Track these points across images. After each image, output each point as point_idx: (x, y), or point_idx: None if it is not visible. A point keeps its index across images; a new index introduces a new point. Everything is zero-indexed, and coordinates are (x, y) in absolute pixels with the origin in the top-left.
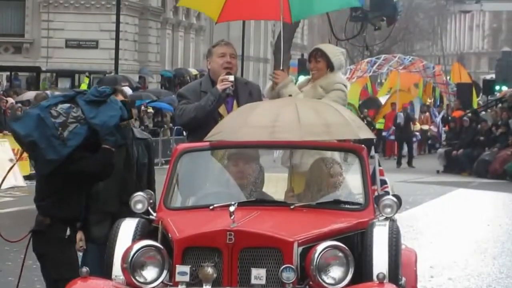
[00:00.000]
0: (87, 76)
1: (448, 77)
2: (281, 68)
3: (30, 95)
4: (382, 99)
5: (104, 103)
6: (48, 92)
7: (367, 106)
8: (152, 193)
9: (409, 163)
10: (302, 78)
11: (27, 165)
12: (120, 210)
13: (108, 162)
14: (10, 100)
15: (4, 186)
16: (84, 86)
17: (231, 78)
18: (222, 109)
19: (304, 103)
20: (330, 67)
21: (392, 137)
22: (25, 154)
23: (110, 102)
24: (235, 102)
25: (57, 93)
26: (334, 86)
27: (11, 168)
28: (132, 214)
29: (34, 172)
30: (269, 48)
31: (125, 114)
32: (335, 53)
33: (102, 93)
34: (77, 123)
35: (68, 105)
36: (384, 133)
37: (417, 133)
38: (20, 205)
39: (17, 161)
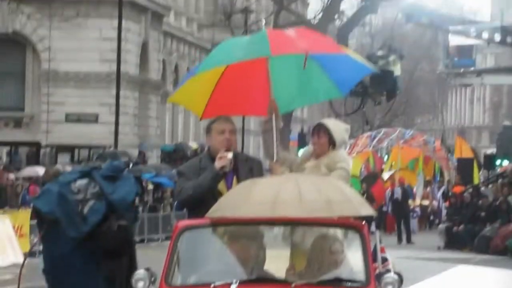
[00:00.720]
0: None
1: (449, 153)
2: (274, 158)
3: (30, 170)
4: (386, 175)
5: (119, 178)
6: (59, 166)
7: (369, 182)
8: (153, 271)
9: (408, 239)
10: (304, 150)
11: (27, 242)
12: None
13: (127, 239)
14: (11, 176)
15: (4, 263)
16: None
17: (229, 155)
18: (221, 186)
19: (305, 179)
20: (332, 143)
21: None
22: (24, 231)
23: (125, 177)
24: (235, 178)
25: (68, 168)
26: (337, 165)
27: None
28: None
29: (41, 249)
30: None
31: (139, 189)
32: (338, 129)
33: (118, 168)
34: (96, 199)
35: (86, 181)
36: (384, 208)
37: (417, 209)
38: (22, 283)
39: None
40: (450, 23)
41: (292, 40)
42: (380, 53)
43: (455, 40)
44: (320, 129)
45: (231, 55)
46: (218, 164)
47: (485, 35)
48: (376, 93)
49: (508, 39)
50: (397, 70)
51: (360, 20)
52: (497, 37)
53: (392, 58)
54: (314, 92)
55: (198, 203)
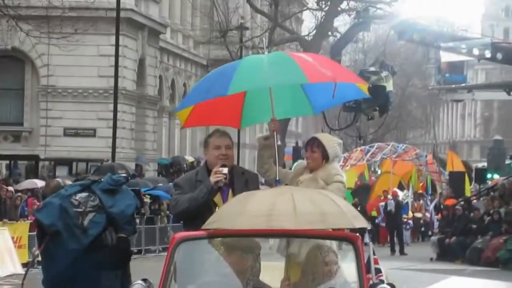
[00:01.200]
0: None
1: (440, 167)
2: (277, 173)
3: (28, 183)
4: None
5: (119, 191)
6: (59, 179)
7: (360, 194)
8: (151, 282)
9: (401, 250)
10: (296, 164)
11: (25, 253)
12: None
13: (126, 251)
14: (10, 189)
15: (3, 274)
16: None
17: (225, 170)
18: (217, 198)
19: (300, 192)
20: (325, 157)
21: (384, 224)
22: (23, 242)
23: (124, 191)
24: (230, 191)
25: (68, 181)
26: (334, 178)
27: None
28: None
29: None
30: None
31: (138, 203)
32: (331, 143)
33: (117, 181)
34: (95, 212)
35: (87, 194)
36: (377, 220)
37: (410, 221)
38: None
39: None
40: (441, 40)
41: (317, 67)
42: (372, 69)
43: (446, 57)
44: (314, 143)
45: (261, 77)
46: (213, 179)
47: (476, 51)
48: (369, 108)
49: (498, 56)
50: (389, 85)
51: (352, 36)
52: (487, 53)
53: (384, 74)
54: (290, 107)
55: (193, 215)
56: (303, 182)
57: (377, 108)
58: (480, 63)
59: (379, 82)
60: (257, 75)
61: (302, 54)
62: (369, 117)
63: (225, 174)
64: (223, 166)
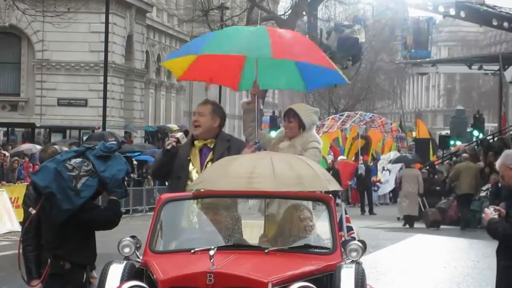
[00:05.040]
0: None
1: (412, 133)
2: (257, 134)
3: (25, 147)
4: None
5: (111, 158)
6: (56, 146)
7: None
8: (138, 238)
9: (370, 210)
10: (278, 132)
11: (22, 212)
12: None
13: (117, 212)
14: (8, 154)
15: (1, 231)
16: None
17: (178, 135)
18: (195, 161)
19: (278, 157)
20: (302, 126)
21: (355, 186)
22: (20, 202)
23: (116, 157)
24: (211, 153)
25: (64, 148)
26: (309, 144)
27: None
28: None
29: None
30: None
31: (130, 168)
32: (307, 113)
33: (110, 148)
34: (88, 176)
35: (80, 159)
36: (349, 183)
37: (379, 183)
38: (17, 249)
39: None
40: None
41: (291, 46)
42: (346, 22)
43: (414, 13)
44: (290, 114)
45: (233, 45)
46: (167, 143)
47: (441, 9)
48: (343, 58)
49: (462, 14)
50: (361, 37)
51: None
52: (452, 11)
53: (357, 27)
54: (285, 81)
55: (164, 174)
56: (282, 149)
57: (351, 58)
58: (443, 40)
59: (353, 34)
60: (229, 43)
61: (281, 30)
62: (344, 66)
63: (176, 138)
64: (186, 132)
